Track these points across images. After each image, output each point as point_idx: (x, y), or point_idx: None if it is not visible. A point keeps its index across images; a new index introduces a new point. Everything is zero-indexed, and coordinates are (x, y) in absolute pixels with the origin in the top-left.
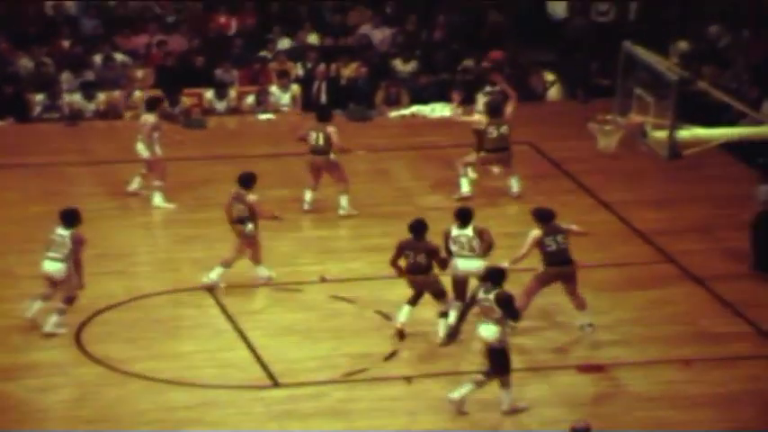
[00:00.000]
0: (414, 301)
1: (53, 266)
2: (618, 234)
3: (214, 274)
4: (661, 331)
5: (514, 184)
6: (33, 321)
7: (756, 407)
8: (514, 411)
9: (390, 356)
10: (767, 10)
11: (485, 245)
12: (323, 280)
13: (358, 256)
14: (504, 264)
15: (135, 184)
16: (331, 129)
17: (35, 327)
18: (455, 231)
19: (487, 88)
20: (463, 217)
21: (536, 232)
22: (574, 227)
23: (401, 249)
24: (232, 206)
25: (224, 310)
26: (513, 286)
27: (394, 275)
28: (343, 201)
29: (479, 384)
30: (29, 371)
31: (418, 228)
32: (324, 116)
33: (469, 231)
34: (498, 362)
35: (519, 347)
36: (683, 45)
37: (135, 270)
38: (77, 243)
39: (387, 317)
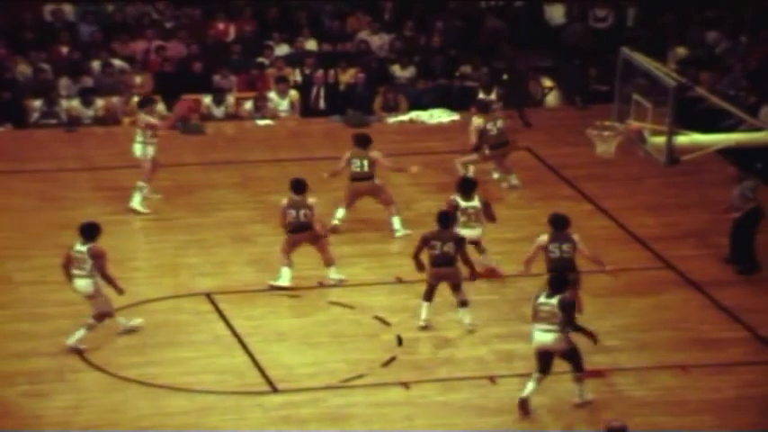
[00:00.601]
0: (430, 297)
1: (80, 283)
2: (616, 239)
3: (335, 275)
4: (658, 337)
5: (513, 178)
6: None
7: (753, 412)
8: (585, 404)
9: (388, 362)
10: (765, 16)
11: (489, 215)
12: (320, 285)
13: (356, 261)
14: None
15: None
16: (375, 154)
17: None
18: (463, 203)
19: (480, 95)
20: (468, 187)
21: (543, 237)
22: (587, 251)
23: (426, 241)
24: (286, 213)
25: (222, 316)
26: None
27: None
28: (397, 222)
29: (539, 381)
30: (27, 377)
31: (446, 218)
32: (364, 143)
33: (476, 203)
34: (575, 360)
35: (519, 353)
36: (681, 51)
37: (133, 276)
38: (97, 257)
39: (385, 322)
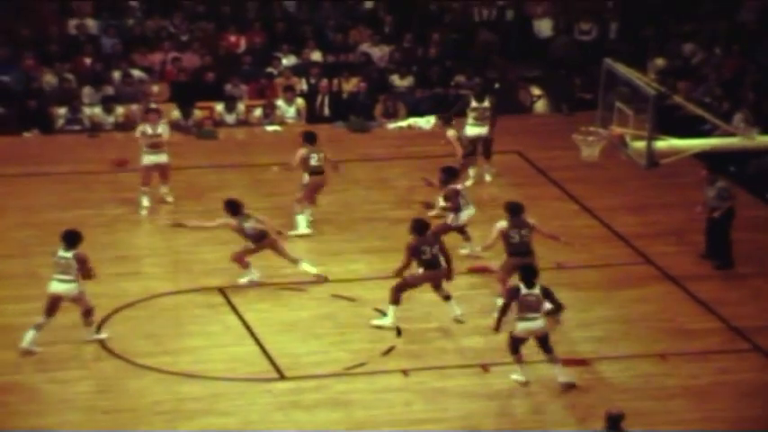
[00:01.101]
0: (447, 297)
1: (63, 287)
2: (600, 237)
3: (309, 267)
4: (639, 327)
5: (488, 174)
6: (27, 352)
7: (727, 397)
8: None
9: (388, 351)
10: (737, 30)
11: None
12: (325, 280)
13: (358, 258)
14: (477, 248)
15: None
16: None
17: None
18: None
19: (486, 104)
20: (453, 174)
21: (502, 223)
22: (544, 229)
23: (415, 251)
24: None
25: (233, 309)
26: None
27: (391, 275)
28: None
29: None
30: (53, 364)
31: (423, 226)
32: (315, 139)
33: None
34: (548, 342)
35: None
36: (660, 62)
37: (150, 271)
38: (82, 262)
39: (384, 314)
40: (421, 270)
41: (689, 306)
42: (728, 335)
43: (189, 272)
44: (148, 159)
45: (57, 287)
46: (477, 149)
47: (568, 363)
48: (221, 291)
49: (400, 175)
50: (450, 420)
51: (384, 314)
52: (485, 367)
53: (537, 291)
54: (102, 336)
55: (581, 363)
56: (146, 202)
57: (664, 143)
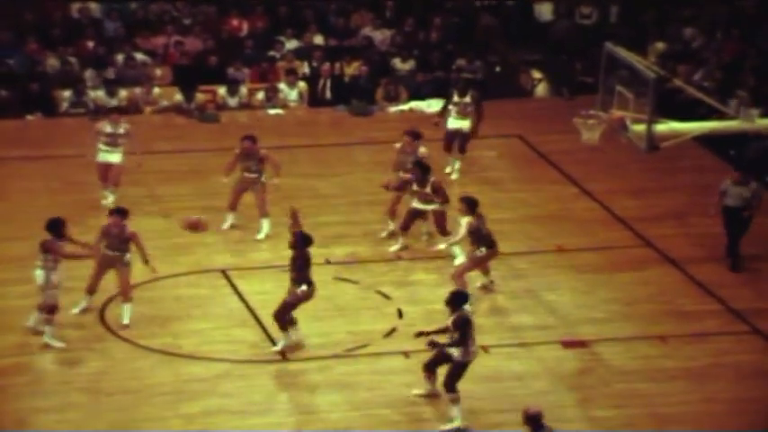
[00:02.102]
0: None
1: (36, 273)
2: (600, 220)
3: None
4: (639, 310)
5: (454, 170)
6: (33, 330)
7: (726, 379)
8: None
9: (389, 333)
10: (737, 14)
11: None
12: (327, 262)
13: (360, 240)
14: (441, 245)
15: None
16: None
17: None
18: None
19: (467, 99)
20: (427, 169)
21: (469, 219)
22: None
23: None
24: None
25: (236, 291)
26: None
27: (394, 258)
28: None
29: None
30: (59, 347)
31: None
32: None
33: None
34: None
35: (509, 325)
36: (660, 46)
37: (153, 254)
38: (51, 251)
39: (386, 296)
40: (484, 249)
41: (688, 288)
42: (728, 317)
43: (192, 254)
44: (101, 156)
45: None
46: (453, 144)
47: (569, 344)
48: (224, 273)
49: None
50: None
51: (388, 297)
52: (485, 348)
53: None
54: (58, 344)
55: (581, 344)
56: (108, 195)
57: (664, 126)
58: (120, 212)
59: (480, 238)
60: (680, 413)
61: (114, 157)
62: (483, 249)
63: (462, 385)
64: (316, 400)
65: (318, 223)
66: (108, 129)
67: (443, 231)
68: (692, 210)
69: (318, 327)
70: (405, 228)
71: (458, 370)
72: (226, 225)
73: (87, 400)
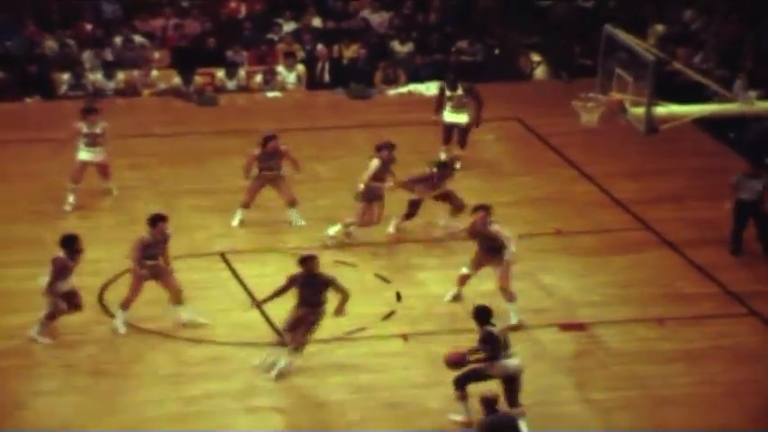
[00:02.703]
0: None
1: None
2: (598, 203)
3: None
4: (637, 292)
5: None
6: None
7: (723, 361)
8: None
9: (388, 316)
10: None
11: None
12: (325, 246)
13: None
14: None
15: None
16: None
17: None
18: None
19: (459, 91)
20: (447, 167)
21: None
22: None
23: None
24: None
25: (235, 274)
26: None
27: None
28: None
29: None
30: (57, 329)
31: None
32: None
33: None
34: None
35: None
36: (659, 28)
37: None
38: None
39: (385, 280)
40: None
41: (686, 271)
42: (725, 299)
43: (191, 238)
44: (84, 155)
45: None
46: (452, 137)
47: (566, 327)
48: (223, 256)
49: (400, 141)
50: (449, 385)
51: (386, 281)
52: None
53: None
54: (45, 340)
55: (579, 327)
56: (71, 198)
57: (663, 109)
58: (163, 218)
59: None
60: (677, 395)
61: (97, 156)
62: (512, 251)
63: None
64: (315, 383)
65: (316, 206)
66: (85, 129)
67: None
68: (691, 193)
69: None
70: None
71: (473, 377)
72: (235, 222)
73: (87, 383)
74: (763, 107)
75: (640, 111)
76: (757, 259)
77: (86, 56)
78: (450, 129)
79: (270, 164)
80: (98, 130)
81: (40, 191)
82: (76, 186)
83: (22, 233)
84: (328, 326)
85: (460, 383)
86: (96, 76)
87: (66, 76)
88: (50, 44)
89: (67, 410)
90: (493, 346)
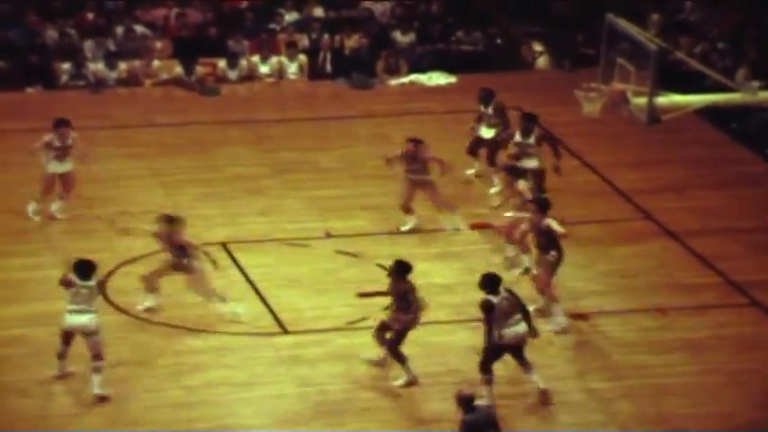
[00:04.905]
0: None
1: (81, 319)
2: (600, 193)
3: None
4: (638, 282)
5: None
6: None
7: (725, 351)
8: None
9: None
10: None
11: None
12: (328, 236)
13: (360, 213)
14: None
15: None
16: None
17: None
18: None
19: (481, 108)
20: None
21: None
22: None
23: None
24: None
25: (236, 264)
26: None
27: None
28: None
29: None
30: (58, 318)
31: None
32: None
33: None
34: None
35: None
36: (655, 17)
37: (154, 227)
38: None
39: (386, 269)
40: (555, 253)
41: (688, 261)
42: (727, 289)
43: (192, 227)
44: (53, 167)
45: (74, 320)
46: (477, 150)
47: (569, 317)
48: (224, 246)
49: (401, 131)
50: (450, 374)
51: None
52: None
53: (505, 294)
54: (106, 392)
55: (581, 317)
56: (35, 206)
57: (665, 99)
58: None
59: (551, 241)
60: (679, 384)
61: (65, 167)
62: (554, 253)
63: (461, 358)
64: (316, 373)
65: (318, 197)
66: (57, 143)
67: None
68: (693, 183)
69: (318, 300)
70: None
71: (490, 353)
72: (406, 227)
73: (88, 372)
74: (766, 97)
75: (642, 100)
76: (759, 248)
77: (88, 45)
78: (477, 142)
79: (414, 167)
80: (69, 142)
81: (40, 181)
82: (45, 198)
83: (24, 223)
84: (329, 316)
85: (484, 367)
86: (98, 66)
87: (67, 66)
88: (52, 34)
89: (69, 399)
90: (486, 313)
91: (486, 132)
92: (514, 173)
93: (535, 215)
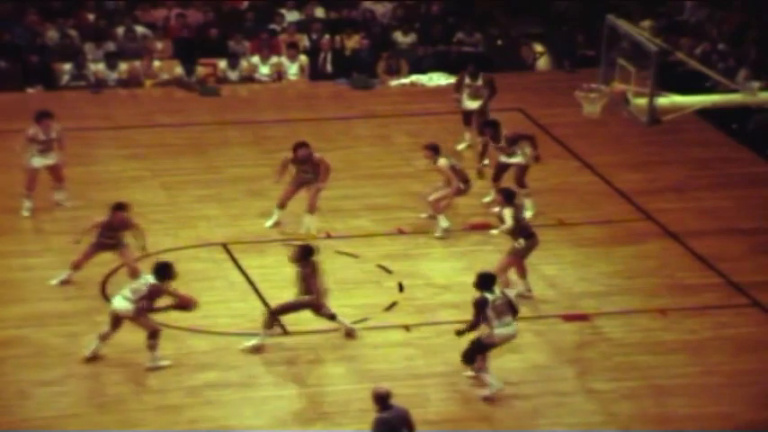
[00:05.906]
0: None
1: (122, 305)
2: (601, 194)
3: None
4: (639, 283)
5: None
6: (94, 355)
7: (725, 351)
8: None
9: (390, 307)
10: None
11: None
12: (328, 236)
13: (361, 214)
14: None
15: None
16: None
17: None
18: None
19: (479, 81)
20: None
21: (511, 210)
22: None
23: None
24: None
25: (237, 264)
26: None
27: (394, 232)
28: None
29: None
30: (58, 319)
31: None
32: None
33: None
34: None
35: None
36: (646, 23)
37: (155, 227)
38: (155, 295)
39: (387, 270)
40: (522, 241)
41: (689, 262)
42: (727, 290)
43: (193, 228)
44: (37, 162)
45: (115, 303)
46: (471, 120)
47: (569, 318)
48: (225, 247)
49: (402, 132)
50: (450, 375)
51: (389, 271)
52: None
53: (500, 294)
54: (164, 363)
55: (582, 318)
56: (28, 203)
57: (665, 100)
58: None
59: (520, 229)
60: (680, 386)
61: (50, 160)
62: (522, 241)
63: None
64: (317, 373)
65: (319, 197)
66: (41, 136)
67: (521, 184)
68: (694, 183)
69: None
70: (496, 179)
71: (477, 346)
72: (270, 222)
73: (89, 372)
74: (766, 97)
75: (643, 101)
76: (759, 249)
77: (88, 46)
78: (468, 114)
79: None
80: (53, 135)
81: (41, 182)
82: (32, 194)
83: (24, 223)
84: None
85: (467, 359)
86: (98, 67)
87: (67, 67)
88: (52, 34)
89: (70, 400)
90: (478, 310)
91: (472, 103)
92: (508, 198)
93: (500, 204)
